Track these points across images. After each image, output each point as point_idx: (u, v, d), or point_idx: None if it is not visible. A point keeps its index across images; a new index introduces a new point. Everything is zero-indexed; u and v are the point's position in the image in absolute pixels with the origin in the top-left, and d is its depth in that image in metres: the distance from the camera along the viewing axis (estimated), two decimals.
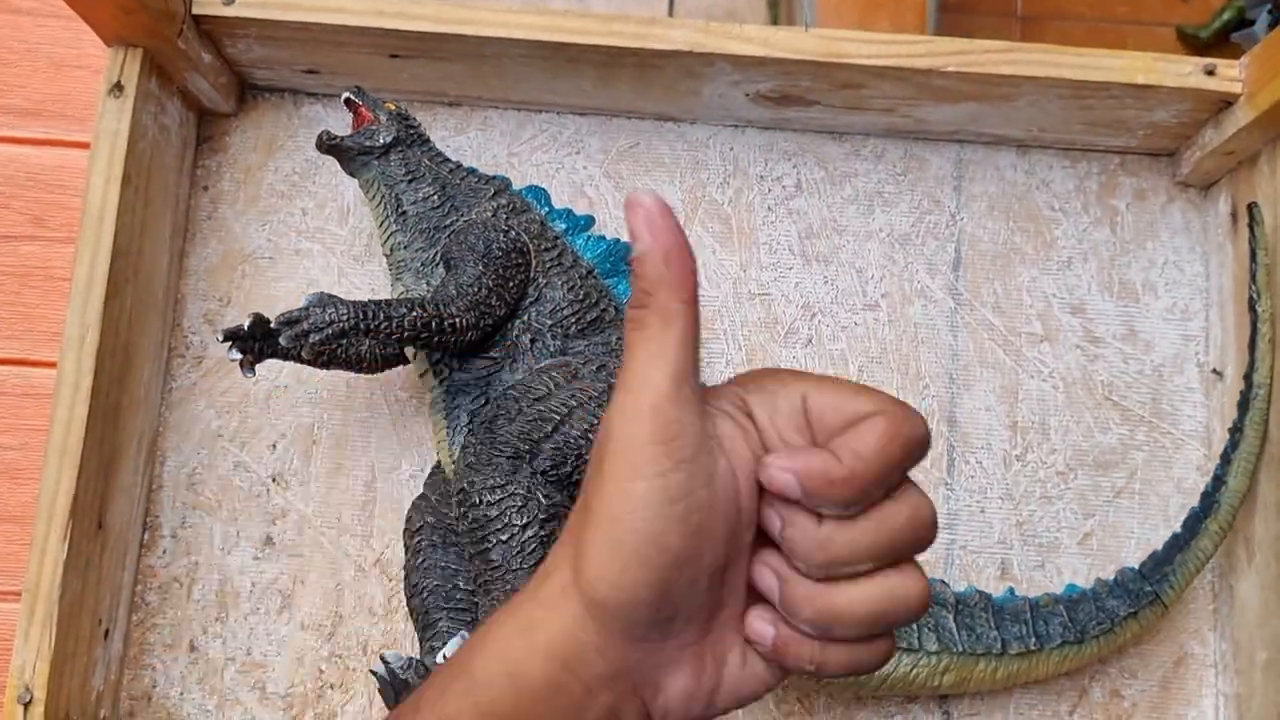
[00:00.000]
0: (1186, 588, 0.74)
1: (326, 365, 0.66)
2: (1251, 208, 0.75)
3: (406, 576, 0.70)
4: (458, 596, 0.68)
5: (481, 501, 0.62)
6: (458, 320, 0.67)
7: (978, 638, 0.72)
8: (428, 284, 0.71)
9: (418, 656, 0.68)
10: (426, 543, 0.70)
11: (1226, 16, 1.91)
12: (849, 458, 0.40)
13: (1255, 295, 0.74)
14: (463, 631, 0.57)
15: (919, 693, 0.74)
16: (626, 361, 0.42)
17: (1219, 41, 1.92)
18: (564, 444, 0.64)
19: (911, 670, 0.71)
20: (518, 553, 0.60)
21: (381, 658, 0.67)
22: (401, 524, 0.75)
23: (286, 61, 0.79)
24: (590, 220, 0.79)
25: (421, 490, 0.74)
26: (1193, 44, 1.93)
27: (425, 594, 0.68)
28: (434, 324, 0.66)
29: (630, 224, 0.41)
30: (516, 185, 0.78)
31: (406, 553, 0.72)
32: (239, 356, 0.64)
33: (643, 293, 0.42)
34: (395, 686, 0.66)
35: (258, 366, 0.65)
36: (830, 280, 0.81)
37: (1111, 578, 0.75)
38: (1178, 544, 0.74)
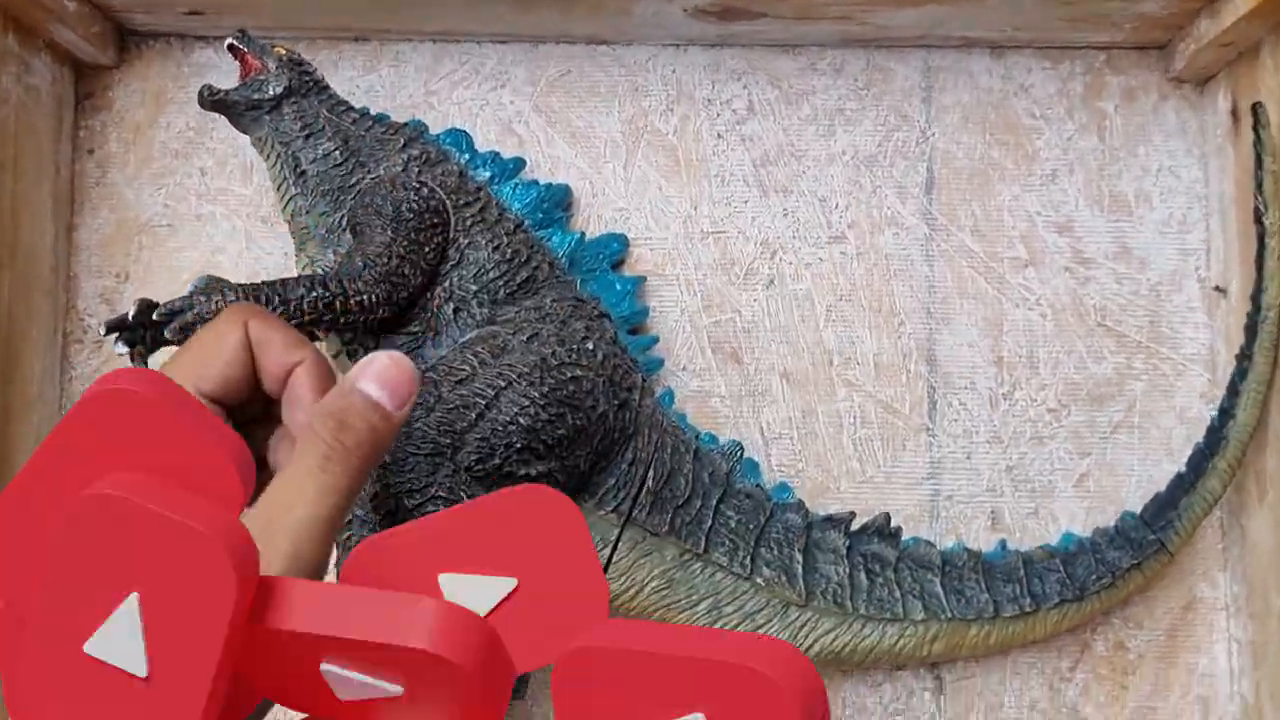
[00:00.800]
0: (1194, 532, 0.68)
1: None
2: (1256, 108, 0.67)
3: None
4: None
5: (399, 507, 0.55)
6: (365, 297, 0.59)
7: (968, 602, 0.66)
8: (334, 253, 0.64)
9: None
10: (356, 539, 0.63)
11: None
12: None
13: (1262, 205, 0.66)
14: None
15: (907, 663, 0.68)
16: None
17: None
18: (490, 433, 0.57)
19: (898, 641, 0.66)
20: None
21: None
22: None
23: (166, 2, 0.70)
24: (520, 163, 0.71)
25: None
26: None
27: None
28: (338, 303, 0.59)
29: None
30: (434, 130, 0.70)
31: (336, 548, 0.65)
32: (125, 350, 0.57)
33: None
34: None
35: (151, 357, 0.58)
36: (790, 212, 0.73)
37: (1112, 526, 0.69)
38: (1183, 485, 0.68)
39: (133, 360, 0.58)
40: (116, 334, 0.58)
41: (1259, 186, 0.66)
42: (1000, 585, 0.67)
